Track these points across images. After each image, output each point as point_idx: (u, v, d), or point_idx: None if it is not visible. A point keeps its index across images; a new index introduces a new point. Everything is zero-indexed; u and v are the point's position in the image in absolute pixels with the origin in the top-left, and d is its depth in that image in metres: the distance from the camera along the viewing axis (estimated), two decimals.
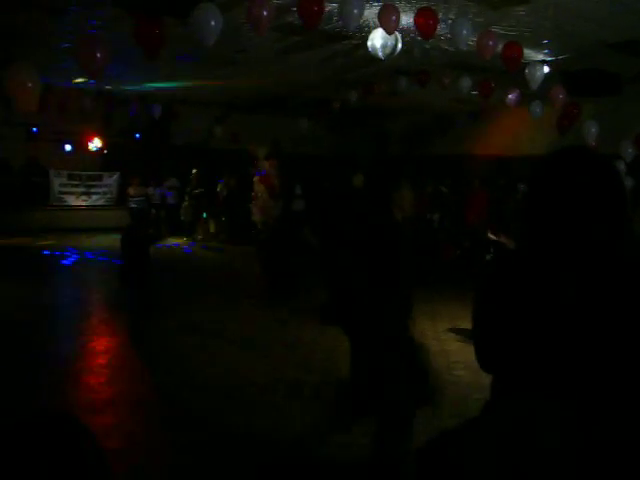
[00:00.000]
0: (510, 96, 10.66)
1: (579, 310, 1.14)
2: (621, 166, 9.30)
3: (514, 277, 1.24)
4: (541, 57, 9.69)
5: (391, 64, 9.82)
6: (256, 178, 13.72)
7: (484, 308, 1.30)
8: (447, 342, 7.68)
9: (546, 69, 9.29)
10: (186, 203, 17.48)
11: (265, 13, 5.57)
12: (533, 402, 1.11)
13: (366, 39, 7.61)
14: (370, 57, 8.05)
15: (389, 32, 6.31)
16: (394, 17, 6.01)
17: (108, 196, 19.29)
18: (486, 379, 1.69)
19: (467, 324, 7.63)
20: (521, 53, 7.59)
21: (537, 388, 1.12)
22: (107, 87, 14.34)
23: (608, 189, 1.25)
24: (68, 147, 18.55)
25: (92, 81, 11.37)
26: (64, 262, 13.30)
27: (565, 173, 1.29)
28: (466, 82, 10.41)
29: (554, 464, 1.05)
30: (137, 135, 19.11)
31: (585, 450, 1.05)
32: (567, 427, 1.07)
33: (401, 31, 7.47)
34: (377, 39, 7.29)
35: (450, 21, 7.35)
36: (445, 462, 1.15)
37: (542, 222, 1.24)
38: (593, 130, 10.51)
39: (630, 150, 10.73)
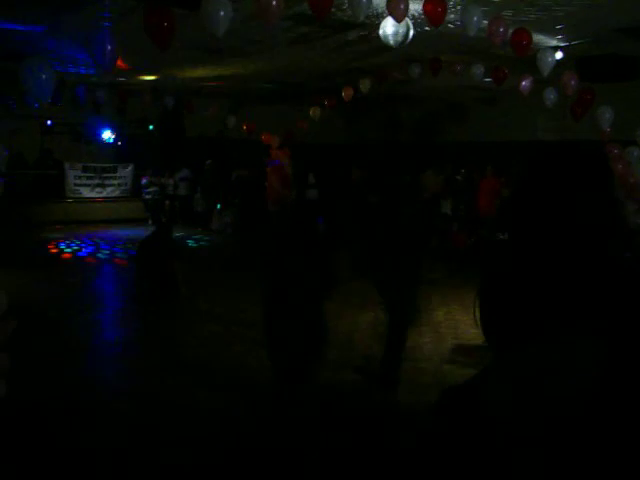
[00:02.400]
0: (523, 83, 10.58)
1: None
2: (635, 152, 9.22)
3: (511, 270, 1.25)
4: (554, 43, 9.63)
5: (403, 52, 9.78)
6: (269, 168, 13.76)
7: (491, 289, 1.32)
8: (460, 327, 7.70)
9: (559, 55, 9.21)
10: (198, 194, 17.55)
11: (274, 3, 5.57)
12: (563, 340, 1.12)
13: (378, 27, 7.59)
14: (382, 45, 8.03)
15: (398, 20, 6.29)
16: (402, 5, 5.99)
17: (123, 187, 19.40)
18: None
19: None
20: (530, 39, 7.53)
21: (561, 327, 1.13)
22: (120, 79, 14.39)
23: (596, 186, 1.26)
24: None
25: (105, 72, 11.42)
26: (80, 254, 13.42)
27: (551, 172, 1.31)
28: (478, 69, 10.36)
29: (586, 404, 1.06)
30: (151, 126, 19.23)
31: (617, 387, 1.06)
32: (599, 365, 1.08)
33: (412, 18, 7.45)
34: (388, 27, 7.26)
35: (460, 7, 7.32)
36: (464, 412, 1.16)
37: (529, 221, 1.26)
38: (607, 116, 10.42)
39: None
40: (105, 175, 19.15)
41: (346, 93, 13.25)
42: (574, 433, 1.04)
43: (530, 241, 1.21)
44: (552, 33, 9.19)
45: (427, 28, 8.55)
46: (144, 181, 17.86)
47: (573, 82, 9.25)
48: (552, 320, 1.11)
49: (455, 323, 7.98)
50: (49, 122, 18.22)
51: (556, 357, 1.07)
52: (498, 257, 1.31)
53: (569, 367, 1.06)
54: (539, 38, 9.00)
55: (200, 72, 13.82)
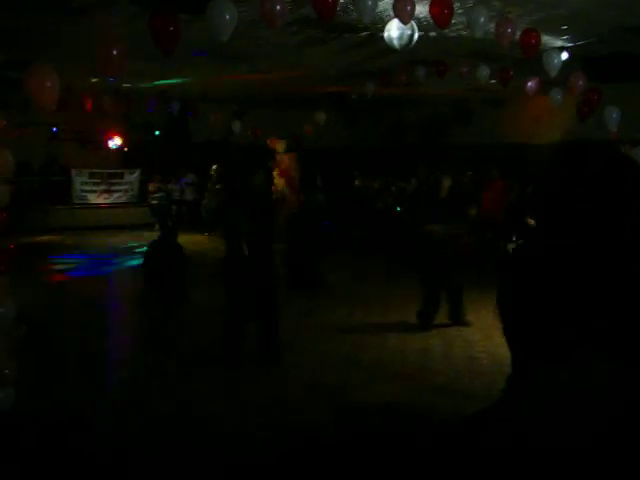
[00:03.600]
0: (529, 84, 10.54)
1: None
2: None
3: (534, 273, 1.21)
4: (560, 43, 9.58)
5: (408, 54, 9.76)
6: (276, 172, 13.74)
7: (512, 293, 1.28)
8: (469, 333, 7.66)
9: (565, 55, 9.16)
10: (206, 200, 17.53)
11: (278, 7, 5.55)
12: (595, 364, 1.09)
13: (382, 30, 7.57)
14: (387, 48, 8.00)
15: (404, 22, 6.26)
16: (409, 7, 5.96)
17: (129, 193, 19.42)
18: (510, 368, 1.67)
19: (489, 314, 7.61)
20: (539, 40, 7.49)
21: (591, 350, 1.10)
22: (126, 85, 14.41)
23: (622, 183, 1.22)
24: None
25: (111, 79, 11.42)
26: (83, 257, 13.42)
27: (579, 168, 1.26)
28: (484, 71, 10.31)
29: (616, 427, 1.02)
30: (157, 132, 19.27)
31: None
32: (629, 387, 1.05)
33: (417, 21, 7.42)
34: (393, 30, 7.24)
35: (467, 9, 7.29)
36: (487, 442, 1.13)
37: (558, 220, 1.21)
38: (614, 116, 10.35)
39: None
40: (112, 181, 19.18)
41: (351, 96, 13.23)
42: (603, 452, 1.01)
43: (569, 248, 1.16)
44: (557, 33, 9.14)
45: (433, 33, 8.54)
46: (151, 187, 17.88)
47: (581, 82, 9.19)
48: (586, 335, 1.08)
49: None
50: (54, 129, 18.27)
51: (589, 380, 1.03)
52: (520, 266, 1.26)
53: (601, 390, 1.03)
54: (544, 39, 8.95)
55: (204, 78, 13.83)
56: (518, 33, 7.39)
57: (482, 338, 7.34)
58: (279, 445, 4.63)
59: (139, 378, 6.26)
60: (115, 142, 19.27)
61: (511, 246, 13.21)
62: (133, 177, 19.40)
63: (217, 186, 17.39)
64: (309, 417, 5.18)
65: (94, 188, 18.94)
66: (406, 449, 4.58)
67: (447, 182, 8.05)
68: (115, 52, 6.22)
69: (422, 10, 7.22)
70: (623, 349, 1.06)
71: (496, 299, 1.30)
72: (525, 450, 1.04)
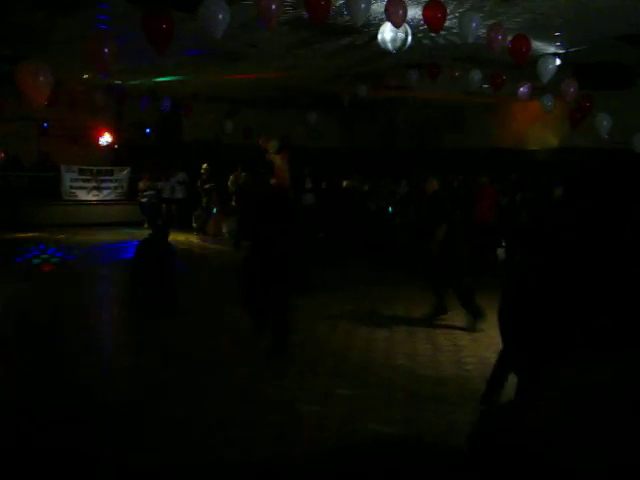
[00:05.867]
0: (521, 89, 10.59)
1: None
2: None
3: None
4: (552, 50, 9.63)
5: (401, 57, 9.78)
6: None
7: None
8: (458, 337, 7.66)
9: (558, 62, 9.22)
10: (197, 212, 17.54)
11: (274, 7, 5.56)
12: (611, 355, 1.08)
13: (376, 33, 7.58)
14: (380, 51, 8.02)
15: (397, 25, 6.28)
16: (401, 10, 5.98)
17: (119, 191, 19.35)
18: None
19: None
20: (529, 46, 7.53)
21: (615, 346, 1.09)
22: (117, 82, 14.38)
23: None
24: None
25: (102, 76, 11.39)
26: (72, 257, 13.35)
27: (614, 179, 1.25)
28: (477, 75, 10.36)
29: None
30: (148, 130, 19.22)
31: None
32: None
33: (410, 24, 7.44)
34: (387, 33, 7.25)
35: (459, 14, 7.31)
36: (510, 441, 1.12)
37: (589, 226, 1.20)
38: (605, 123, 10.44)
39: None
40: (101, 178, 19.09)
41: (344, 98, 13.26)
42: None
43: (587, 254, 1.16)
44: (550, 40, 9.19)
45: (426, 35, 8.56)
46: (141, 185, 17.85)
47: (573, 89, 9.25)
48: (596, 333, 1.08)
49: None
50: (45, 124, 18.19)
51: (609, 371, 1.03)
52: (524, 274, 1.26)
53: (621, 381, 1.02)
54: (537, 45, 9.00)
55: (196, 76, 13.82)
56: (509, 39, 7.43)
57: (470, 342, 7.35)
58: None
59: (122, 378, 6.22)
60: (106, 139, 19.21)
61: (501, 251, 13.29)
62: (123, 175, 19.33)
63: (207, 186, 17.38)
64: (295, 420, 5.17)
65: (84, 185, 18.84)
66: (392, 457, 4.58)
67: (432, 185, 8.20)
68: (105, 49, 6.21)
69: (415, 13, 7.25)
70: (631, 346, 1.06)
71: (500, 306, 1.29)
72: (544, 449, 1.04)
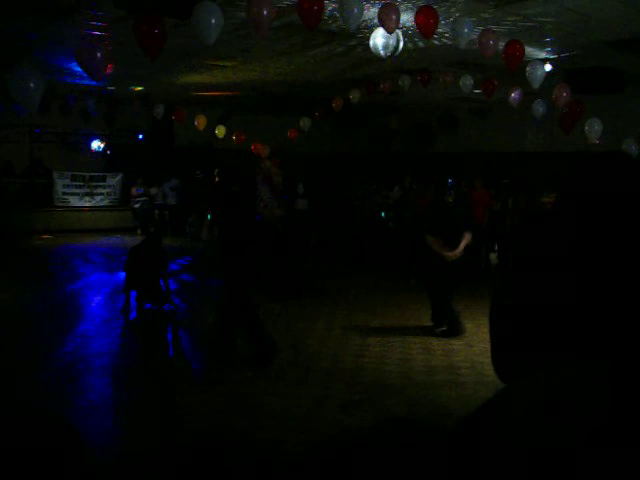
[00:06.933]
0: (512, 95, 10.63)
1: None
2: None
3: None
4: (543, 55, 9.67)
5: (393, 63, 9.81)
6: (259, 178, 13.74)
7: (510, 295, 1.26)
8: (449, 342, 7.67)
9: (548, 67, 9.26)
10: (191, 219, 17.53)
11: (265, 12, 5.56)
12: (578, 365, 1.08)
13: (368, 38, 7.60)
14: (372, 56, 8.04)
15: (389, 31, 6.29)
16: (394, 16, 6.00)
17: (112, 197, 19.32)
18: (490, 378, 1.68)
19: (470, 323, 7.61)
20: (522, 51, 7.57)
21: (577, 352, 1.09)
22: (110, 88, 14.35)
23: None
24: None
25: (94, 82, 11.37)
26: (65, 263, 13.31)
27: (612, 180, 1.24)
28: (468, 80, 10.39)
29: (599, 427, 1.02)
30: (140, 136, 19.19)
31: (623, 409, 1.02)
32: (615, 388, 1.04)
33: (402, 30, 7.46)
34: (379, 38, 7.27)
35: (452, 19, 7.34)
36: (479, 440, 1.12)
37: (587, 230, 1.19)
38: (596, 128, 10.49)
39: (634, 147, 10.70)
40: (94, 184, 19.06)
41: (336, 103, 13.26)
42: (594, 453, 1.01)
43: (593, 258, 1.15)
44: (541, 46, 9.23)
45: (418, 41, 8.59)
46: (133, 190, 17.83)
47: (565, 94, 9.29)
48: (576, 341, 1.08)
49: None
50: (37, 130, 18.15)
51: (577, 379, 1.03)
52: (518, 281, 1.26)
53: (588, 389, 1.03)
54: (528, 50, 9.04)
55: (189, 81, 13.81)
56: (501, 45, 7.46)
57: (463, 347, 7.37)
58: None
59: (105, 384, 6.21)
60: (98, 145, 19.17)
61: (493, 255, 13.31)
62: (115, 180, 19.29)
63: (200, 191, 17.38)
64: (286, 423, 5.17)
65: (76, 191, 18.81)
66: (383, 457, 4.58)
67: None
68: (99, 55, 6.21)
69: (407, 19, 7.28)
70: (612, 350, 1.06)
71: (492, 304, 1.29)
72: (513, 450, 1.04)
